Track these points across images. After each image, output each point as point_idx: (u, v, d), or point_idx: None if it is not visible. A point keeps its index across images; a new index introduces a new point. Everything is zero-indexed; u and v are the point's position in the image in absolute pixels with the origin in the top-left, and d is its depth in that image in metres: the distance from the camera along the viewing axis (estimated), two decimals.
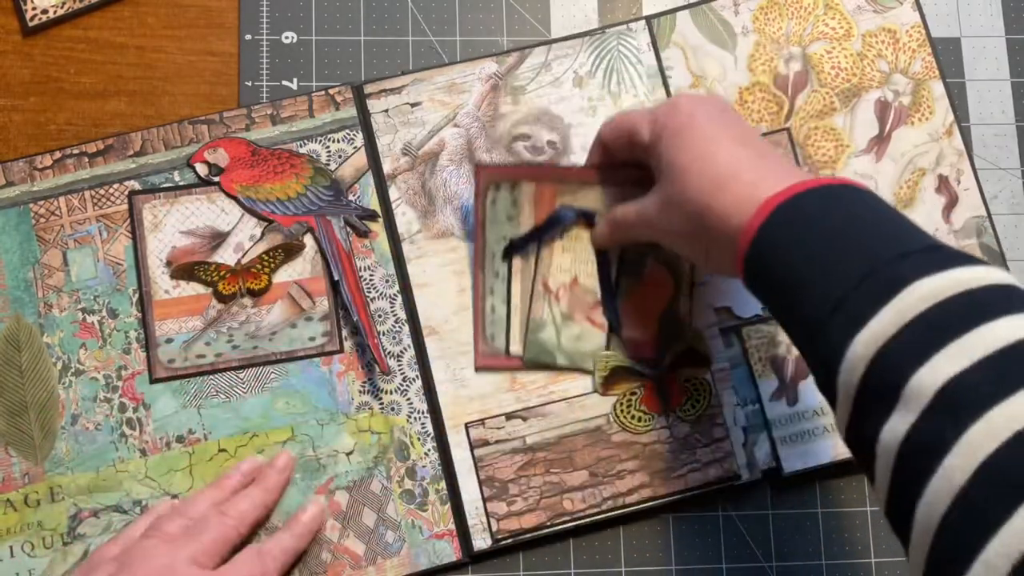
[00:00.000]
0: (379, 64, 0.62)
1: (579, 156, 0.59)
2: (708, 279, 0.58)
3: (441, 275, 0.58)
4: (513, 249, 0.57)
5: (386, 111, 0.59)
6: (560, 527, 0.56)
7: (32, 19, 0.61)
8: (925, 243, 0.40)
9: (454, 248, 0.58)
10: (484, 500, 0.56)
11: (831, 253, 0.41)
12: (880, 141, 0.60)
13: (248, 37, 0.62)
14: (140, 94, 0.61)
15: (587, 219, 0.57)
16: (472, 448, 0.56)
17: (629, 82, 0.60)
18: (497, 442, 0.56)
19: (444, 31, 0.63)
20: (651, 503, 0.56)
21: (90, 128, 0.60)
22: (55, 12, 0.61)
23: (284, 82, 0.61)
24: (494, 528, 0.55)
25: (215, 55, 0.62)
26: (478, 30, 0.63)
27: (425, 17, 0.63)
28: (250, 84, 0.61)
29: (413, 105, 0.59)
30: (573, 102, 0.60)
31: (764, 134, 0.60)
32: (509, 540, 0.56)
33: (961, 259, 0.39)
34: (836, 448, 0.57)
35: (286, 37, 0.62)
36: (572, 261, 0.57)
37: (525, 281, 0.57)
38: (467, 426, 0.56)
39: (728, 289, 0.59)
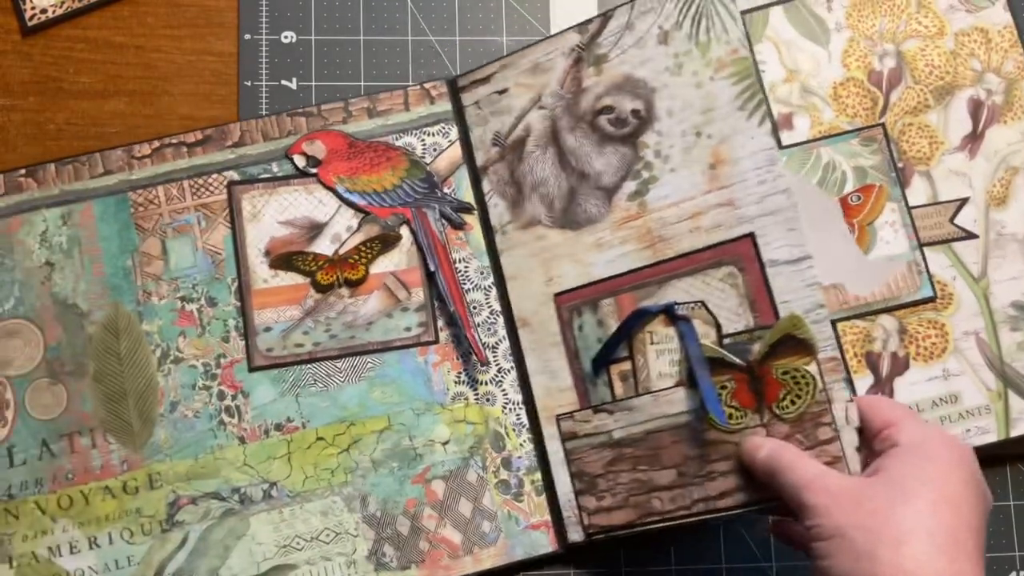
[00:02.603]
0: (379, 64, 0.62)
1: (665, 122, 0.56)
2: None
3: (529, 265, 0.58)
4: (599, 363, 0.56)
5: (477, 103, 0.60)
6: (650, 527, 0.54)
7: (31, 19, 0.61)
8: None
9: (541, 237, 0.58)
10: (576, 493, 0.56)
11: None
12: (973, 139, 0.60)
13: (247, 37, 0.62)
14: (139, 94, 0.61)
15: (668, 313, 0.55)
16: (563, 440, 0.56)
17: (720, 27, 0.56)
18: (585, 435, 0.56)
19: (444, 31, 0.63)
20: (747, 509, 0.52)
21: (89, 128, 0.61)
22: (54, 12, 0.61)
23: (283, 82, 0.62)
24: (585, 522, 0.55)
25: (214, 55, 0.62)
26: (478, 30, 0.63)
27: (425, 17, 0.63)
28: (249, 84, 0.61)
29: (500, 92, 0.59)
30: (657, 62, 0.57)
31: (858, 129, 0.60)
32: (601, 536, 0.55)
33: None
34: None
35: (285, 37, 0.62)
36: (669, 364, 0.55)
37: (628, 393, 0.56)
38: (558, 418, 0.56)
39: (841, 261, 0.55)
